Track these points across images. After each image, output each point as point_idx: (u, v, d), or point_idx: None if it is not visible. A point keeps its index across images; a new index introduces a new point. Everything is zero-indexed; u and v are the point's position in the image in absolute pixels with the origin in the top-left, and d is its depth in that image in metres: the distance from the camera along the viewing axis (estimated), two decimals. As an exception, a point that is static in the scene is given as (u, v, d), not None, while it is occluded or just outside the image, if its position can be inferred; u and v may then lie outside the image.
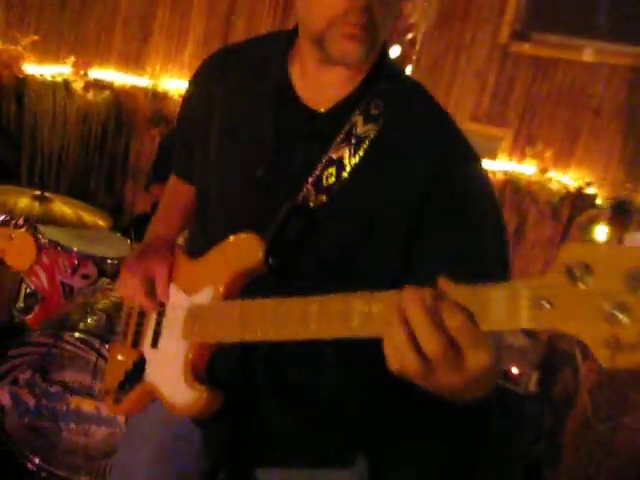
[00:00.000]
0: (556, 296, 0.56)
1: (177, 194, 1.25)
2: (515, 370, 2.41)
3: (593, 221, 2.55)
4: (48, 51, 3.33)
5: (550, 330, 0.57)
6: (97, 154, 3.70)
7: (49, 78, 3.26)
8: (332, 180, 0.92)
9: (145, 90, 3.74)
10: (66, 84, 3.33)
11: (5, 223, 2.36)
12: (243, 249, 0.94)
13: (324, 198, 0.92)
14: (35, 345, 2.09)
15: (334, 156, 0.92)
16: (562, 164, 2.71)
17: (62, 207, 2.47)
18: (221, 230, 0.98)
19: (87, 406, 2.10)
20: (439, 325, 0.60)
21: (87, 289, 2.47)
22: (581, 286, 0.54)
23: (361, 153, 0.92)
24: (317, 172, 0.93)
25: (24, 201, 2.35)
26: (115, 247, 2.69)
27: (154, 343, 1.10)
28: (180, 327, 1.03)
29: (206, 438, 1.13)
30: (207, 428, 1.11)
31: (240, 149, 1.01)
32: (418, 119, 0.95)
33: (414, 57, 3.01)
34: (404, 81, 0.99)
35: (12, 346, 2.10)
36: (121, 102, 3.67)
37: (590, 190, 2.62)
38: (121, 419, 2.08)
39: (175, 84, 3.85)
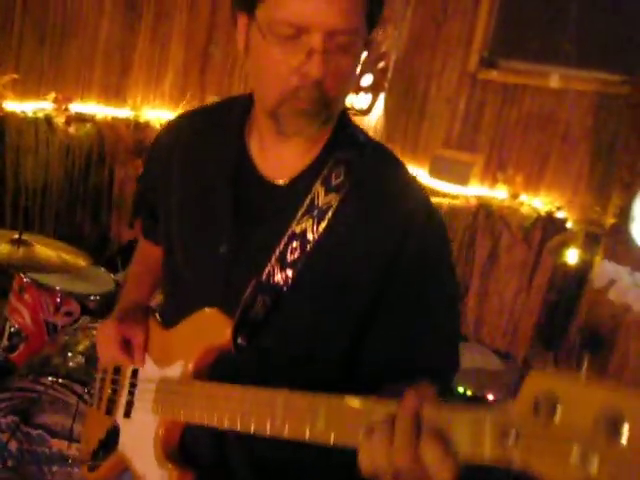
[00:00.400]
0: (522, 430, 0.53)
1: (147, 257, 1.25)
2: (490, 396, 2.44)
3: (564, 245, 2.60)
4: (28, 88, 3.37)
5: (515, 466, 0.53)
6: (81, 186, 3.73)
7: (30, 114, 3.30)
8: (296, 255, 0.90)
9: (127, 121, 3.79)
10: (48, 119, 3.36)
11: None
12: (212, 326, 0.93)
13: (289, 273, 0.90)
14: (16, 390, 2.13)
15: (297, 230, 0.91)
16: (532, 188, 2.76)
17: (43, 249, 2.52)
18: (190, 300, 0.97)
19: (69, 450, 2.13)
20: (416, 447, 0.60)
21: (69, 328, 2.50)
22: (548, 423, 0.51)
23: (324, 224, 0.90)
24: (281, 247, 0.91)
25: (5, 247, 2.39)
26: (97, 283, 2.73)
27: (127, 414, 1.08)
28: (151, 400, 1.01)
29: None
30: None
31: (201, 224, 1.01)
32: (380, 186, 0.93)
33: (386, 85, 3.07)
34: (365, 147, 0.97)
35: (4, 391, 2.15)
36: (103, 134, 3.70)
37: (560, 214, 2.67)
38: None
39: (156, 114, 3.90)
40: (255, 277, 0.90)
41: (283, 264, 0.91)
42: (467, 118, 2.90)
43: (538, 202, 2.75)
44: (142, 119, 3.82)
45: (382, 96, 3.09)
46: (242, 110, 0.99)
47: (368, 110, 3.08)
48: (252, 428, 0.78)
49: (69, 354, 2.27)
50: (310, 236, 0.90)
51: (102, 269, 2.87)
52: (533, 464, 0.52)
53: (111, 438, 1.10)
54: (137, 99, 3.82)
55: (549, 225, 2.68)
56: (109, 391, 1.13)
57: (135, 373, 1.07)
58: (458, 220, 2.89)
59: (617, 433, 0.47)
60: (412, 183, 0.97)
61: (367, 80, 3.02)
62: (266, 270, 0.91)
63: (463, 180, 2.85)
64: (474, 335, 2.90)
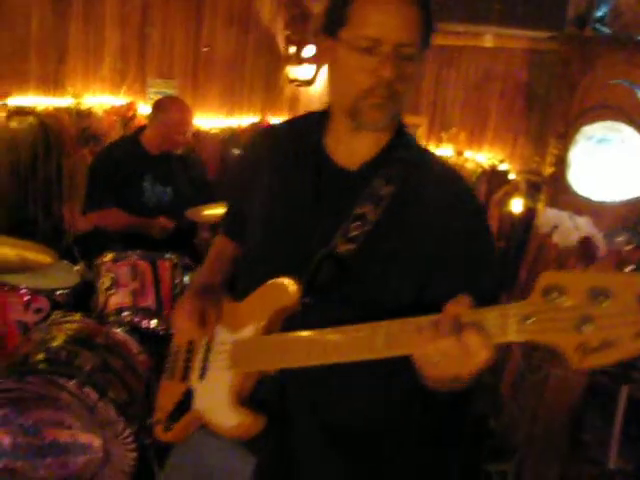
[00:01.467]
0: (536, 313, 0.73)
1: (223, 252, 1.46)
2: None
3: (509, 195, 2.78)
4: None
5: (531, 342, 0.75)
6: (30, 181, 3.67)
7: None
8: (357, 232, 1.12)
9: (69, 110, 3.75)
10: (-13, 115, 3.30)
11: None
12: (280, 291, 1.14)
13: (351, 246, 1.12)
14: (1, 392, 2.17)
15: (359, 212, 1.13)
16: (475, 145, 2.93)
17: (3, 249, 2.53)
18: (264, 276, 1.17)
19: (63, 437, 2.21)
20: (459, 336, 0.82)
21: (42, 325, 2.52)
22: (556, 304, 0.71)
23: (381, 210, 1.12)
24: (346, 224, 1.12)
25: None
26: (62, 277, 2.76)
27: (202, 375, 1.27)
28: (226, 360, 1.21)
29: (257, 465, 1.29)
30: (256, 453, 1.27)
31: (284, 208, 1.24)
32: (428, 176, 1.16)
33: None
34: (415, 148, 1.22)
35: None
36: (47, 125, 3.65)
37: (503, 166, 2.85)
38: (98, 444, 2.21)
39: (97, 100, 3.86)
40: (323, 248, 1.13)
41: (346, 238, 1.12)
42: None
43: (482, 157, 2.92)
44: (84, 106, 3.79)
45: (325, 67, 3.18)
46: (320, 118, 1.23)
47: (312, 80, 3.16)
48: (315, 360, 1.02)
49: (47, 349, 2.32)
50: (370, 217, 1.12)
51: (65, 262, 2.89)
52: (545, 338, 0.73)
53: (186, 400, 1.29)
54: (77, 87, 3.76)
55: (493, 178, 2.86)
56: (183, 361, 1.32)
57: (209, 341, 1.27)
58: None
59: (604, 302, 0.68)
60: (452, 171, 1.22)
61: (310, 51, 3.10)
62: (332, 243, 1.12)
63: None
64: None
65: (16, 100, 3.49)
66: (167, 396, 1.38)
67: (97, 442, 2.24)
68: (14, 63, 3.49)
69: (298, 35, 3.04)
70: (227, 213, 1.51)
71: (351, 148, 1.18)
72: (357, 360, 0.95)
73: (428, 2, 1.09)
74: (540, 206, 2.67)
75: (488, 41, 2.79)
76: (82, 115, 3.76)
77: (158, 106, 3.00)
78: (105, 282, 2.31)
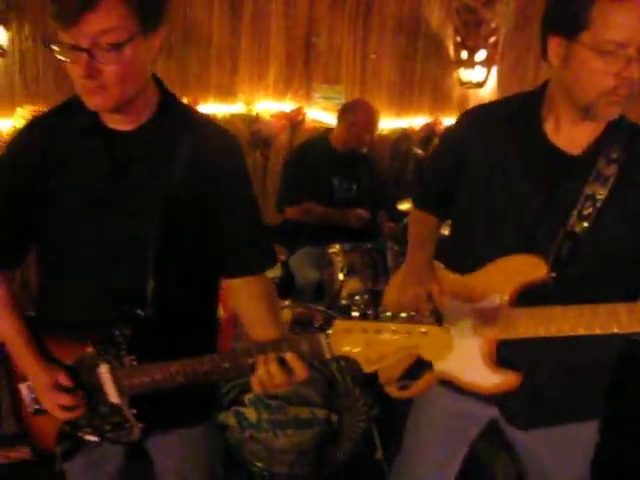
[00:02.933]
0: None
1: (425, 226, 1.60)
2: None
3: None
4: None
5: None
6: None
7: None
8: (589, 210, 1.25)
9: (241, 116, 4.15)
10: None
11: None
12: (529, 266, 1.27)
13: (585, 224, 1.25)
14: None
15: (589, 192, 1.26)
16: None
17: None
18: (492, 250, 1.31)
19: (303, 413, 2.48)
20: None
21: None
22: None
23: (607, 188, 1.24)
24: (579, 205, 1.25)
25: None
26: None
27: None
28: (468, 327, 1.32)
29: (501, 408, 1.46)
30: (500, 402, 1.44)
31: (511, 189, 1.34)
32: None
33: (498, 58, 3.39)
34: (628, 129, 1.31)
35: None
36: (225, 131, 4.02)
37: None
38: (334, 419, 2.52)
39: (263, 106, 4.24)
40: (562, 228, 1.27)
41: (581, 217, 1.25)
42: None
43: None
44: (253, 112, 4.17)
45: (494, 69, 3.43)
46: (535, 103, 1.33)
47: (483, 83, 3.41)
48: (567, 331, 1.20)
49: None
50: (598, 197, 1.25)
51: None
52: None
53: (417, 364, 1.40)
54: (247, 94, 4.14)
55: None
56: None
57: (434, 310, 1.28)
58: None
59: None
60: None
61: (481, 55, 3.35)
62: (570, 222, 1.26)
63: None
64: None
65: (200, 108, 3.91)
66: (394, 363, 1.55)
67: (334, 417, 2.55)
68: (199, 75, 3.91)
69: (471, 40, 3.30)
70: (427, 190, 1.61)
71: (572, 134, 1.28)
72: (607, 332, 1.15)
73: None
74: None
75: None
76: (252, 120, 4.16)
77: (347, 108, 3.34)
78: (339, 270, 2.65)
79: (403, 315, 1.07)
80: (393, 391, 1.53)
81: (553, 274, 1.25)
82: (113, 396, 1.29)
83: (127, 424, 1.31)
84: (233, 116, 4.09)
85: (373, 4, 3.80)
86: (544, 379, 1.39)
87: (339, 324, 1.07)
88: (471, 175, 1.44)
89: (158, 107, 1.28)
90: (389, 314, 1.08)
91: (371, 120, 3.24)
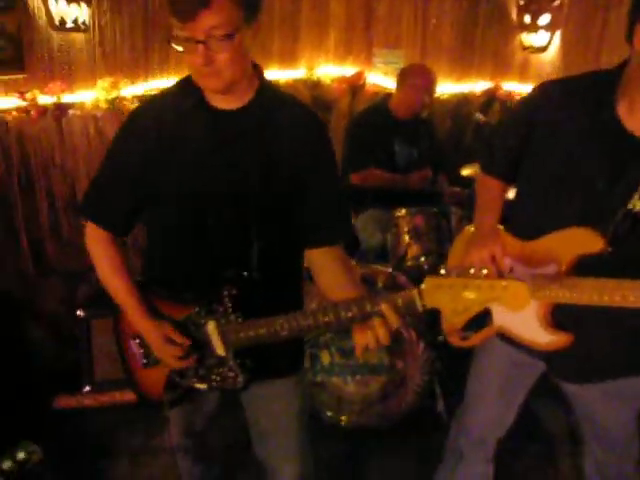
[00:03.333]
0: None
1: (492, 191, 1.72)
2: None
3: None
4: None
5: None
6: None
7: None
8: None
9: (303, 81, 4.26)
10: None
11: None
12: (587, 239, 1.37)
13: None
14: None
15: None
16: None
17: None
18: (555, 220, 1.45)
19: (373, 359, 2.63)
20: None
21: None
22: None
23: None
24: None
25: None
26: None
27: None
28: (528, 290, 1.39)
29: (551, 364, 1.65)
30: (550, 359, 1.63)
31: (579, 164, 1.46)
32: None
33: (562, 21, 3.40)
34: None
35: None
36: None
37: None
38: (400, 366, 2.71)
39: (324, 70, 4.34)
40: (623, 207, 1.38)
41: None
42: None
43: None
44: (315, 77, 4.29)
45: (558, 33, 3.43)
46: (608, 82, 1.40)
47: (546, 47, 3.44)
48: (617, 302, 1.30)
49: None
50: None
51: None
52: None
53: (483, 316, 1.50)
54: (308, 59, 4.25)
55: None
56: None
57: (500, 271, 1.48)
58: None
59: None
60: None
61: (545, 19, 3.37)
62: (630, 203, 1.37)
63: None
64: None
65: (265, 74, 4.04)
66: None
67: (400, 364, 2.73)
68: (262, 43, 4.04)
69: (534, 4, 3.31)
70: (496, 155, 1.69)
71: None
72: None
73: None
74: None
75: None
76: (313, 85, 4.28)
77: (405, 72, 3.44)
78: (406, 232, 2.80)
79: (485, 272, 1.25)
80: (455, 341, 1.65)
81: (609, 249, 1.35)
82: (220, 349, 1.49)
83: (231, 374, 1.51)
84: (296, 81, 4.21)
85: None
86: (592, 340, 1.54)
87: (430, 280, 1.23)
88: (541, 144, 1.55)
89: (257, 90, 1.46)
90: (472, 271, 1.25)
91: (429, 83, 3.34)
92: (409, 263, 2.86)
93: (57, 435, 2.62)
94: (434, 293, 1.23)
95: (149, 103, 1.59)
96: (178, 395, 1.61)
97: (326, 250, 1.55)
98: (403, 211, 2.83)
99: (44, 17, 2.68)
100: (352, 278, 1.53)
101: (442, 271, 1.29)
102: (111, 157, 1.56)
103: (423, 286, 1.23)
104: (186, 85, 1.47)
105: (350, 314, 1.31)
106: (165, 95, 1.54)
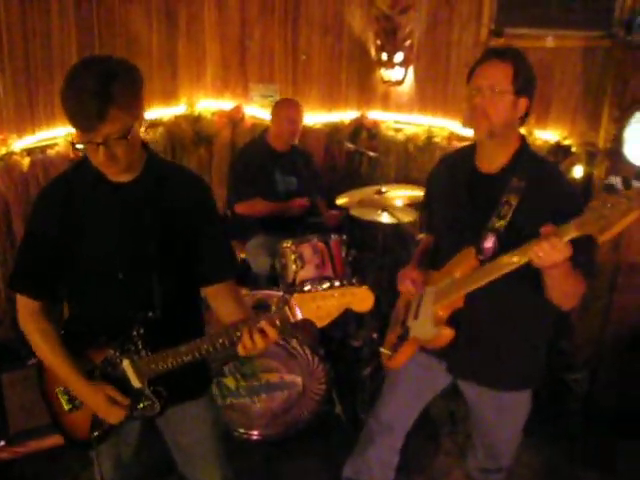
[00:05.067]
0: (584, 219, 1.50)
1: (424, 242, 2.32)
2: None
3: (572, 165, 3.59)
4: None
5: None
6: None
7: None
8: (506, 212, 1.84)
9: (184, 117, 4.47)
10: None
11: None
12: (467, 257, 1.91)
13: (502, 223, 1.85)
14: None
15: (505, 199, 1.85)
16: (542, 125, 3.70)
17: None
18: (446, 251, 2.02)
19: (273, 378, 2.98)
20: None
21: None
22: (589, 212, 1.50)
23: (517, 201, 1.83)
24: (497, 210, 1.86)
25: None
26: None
27: (415, 316, 2.11)
28: (432, 300, 2.00)
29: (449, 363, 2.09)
30: (450, 357, 2.06)
31: (454, 205, 2.05)
32: (544, 175, 1.91)
33: (413, 58, 3.89)
34: (539, 160, 1.98)
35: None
36: (171, 133, 4.35)
37: (566, 142, 3.64)
38: (298, 381, 3.05)
39: (203, 105, 4.57)
40: (486, 226, 1.87)
41: (499, 217, 1.85)
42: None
43: (548, 135, 3.71)
44: (195, 113, 4.51)
45: (411, 68, 3.93)
46: (471, 146, 2.08)
47: (402, 81, 3.92)
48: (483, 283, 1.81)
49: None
50: (511, 207, 1.84)
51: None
52: (584, 230, 1.53)
53: (404, 334, 2.11)
54: (188, 95, 4.46)
55: (559, 151, 3.66)
56: (404, 312, 2.17)
57: (421, 295, 2.11)
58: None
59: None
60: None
61: (399, 57, 3.85)
62: (490, 222, 1.86)
63: (488, 127, 3.78)
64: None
65: (148, 113, 4.20)
66: (390, 337, 2.23)
67: (298, 379, 3.07)
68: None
69: (390, 45, 3.79)
70: (422, 216, 2.33)
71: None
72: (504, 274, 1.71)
73: None
74: (597, 172, 3.48)
75: (549, 42, 3.54)
76: (195, 120, 4.50)
77: (275, 107, 3.84)
78: (292, 261, 3.13)
79: (337, 284, 1.59)
80: (388, 363, 2.19)
81: (481, 259, 1.87)
82: (136, 382, 1.76)
83: (148, 402, 1.78)
84: (177, 117, 4.43)
85: (300, 8, 4.20)
86: (486, 344, 2.01)
87: (297, 297, 1.57)
88: (435, 201, 2.18)
89: (146, 161, 1.77)
90: (327, 285, 1.59)
91: (296, 114, 3.75)
92: (297, 289, 3.19)
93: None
94: (302, 306, 1.56)
95: (54, 183, 1.82)
96: (104, 430, 1.84)
97: (219, 286, 1.86)
98: (289, 242, 3.16)
99: None
100: (241, 305, 1.87)
101: (305, 288, 1.60)
102: (29, 232, 1.80)
103: (293, 302, 1.57)
104: (82, 165, 1.75)
105: (239, 333, 1.63)
106: (67, 174, 1.82)
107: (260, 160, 3.74)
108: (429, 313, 2.00)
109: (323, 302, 1.56)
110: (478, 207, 1.93)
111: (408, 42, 3.83)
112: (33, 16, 3.25)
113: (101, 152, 1.55)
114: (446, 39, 3.84)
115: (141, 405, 1.79)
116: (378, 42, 3.89)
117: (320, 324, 1.59)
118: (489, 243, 1.87)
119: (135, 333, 1.75)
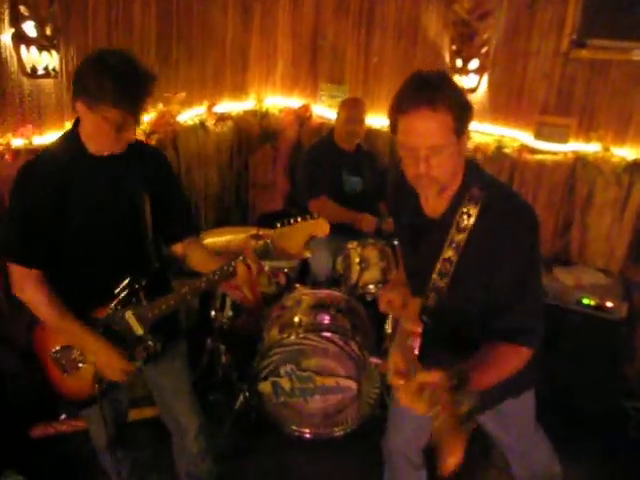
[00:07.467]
0: None
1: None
2: (609, 304, 3.39)
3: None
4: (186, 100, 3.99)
5: None
6: (227, 176, 4.51)
7: (190, 122, 4.06)
8: (451, 253, 1.75)
9: (252, 112, 4.54)
10: (202, 124, 4.12)
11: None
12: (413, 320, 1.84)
13: (445, 281, 1.75)
14: (287, 345, 3.01)
15: (446, 255, 1.73)
16: (619, 142, 3.61)
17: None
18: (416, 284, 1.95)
19: (329, 382, 3.03)
20: None
21: (290, 295, 3.36)
22: None
23: (466, 238, 1.69)
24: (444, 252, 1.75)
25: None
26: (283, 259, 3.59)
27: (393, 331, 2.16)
28: (396, 343, 1.97)
29: None
30: None
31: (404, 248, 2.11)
32: (491, 216, 1.72)
33: (489, 66, 3.84)
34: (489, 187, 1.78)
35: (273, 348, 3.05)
36: (239, 127, 4.47)
37: (644, 159, 3.53)
38: (354, 387, 3.07)
39: (271, 101, 4.63)
40: (430, 277, 1.77)
41: (444, 259, 1.76)
42: (561, 89, 3.70)
43: (625, 152, 3.61)
44: (263, 108, 4.58)
45: (486, 76, 3.88)
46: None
47: (475, 88, 3.87)
48: None
49: (302, 312, 3.17)
50: (459, 244, 1.74)
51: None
52: None
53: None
54: (257, 91, 4.54)
55: (635, 170, 3.56)
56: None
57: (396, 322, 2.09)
58: (560, 171, 3.77)
59: None
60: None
61: (474, 64, 3.80)
62: (434, 274, 1.75)
63: (562, 139, 3.70)
64: (579, 258, 3.84)
65: (218, 107, 4.32)
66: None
67: (354, 385, 3.09)
68: (216, 77, 4.30)
69: (465, 51, 3.75)
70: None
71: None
72: None
73: None
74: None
75: (636, 55, 3.44)
76: (262, 116, 4.57)
77: (339, 107, 3.85)
78: (357, 262, 3.15)
79: (299, 219, 1.86)
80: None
81: (425, 320, 1.78)
82: (139, 330, 1.97)
83: (151, 343, 2.00)
84: (245, 112, 4.51)
85: (375, 11, 4.21)
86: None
87: (277, 231, 1.84)
88: (398, 224, 2.13)
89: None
90: (293, 220, 1.86)
91: (359, 113, 3.76)
92: (360, 291, 3.21)
93: (40, 463, 2.80)
94: (279, 240, 1.85)
95: (41, 161, 1.93)
96: (106, 385, 2.02)
97: (191, 242, 2.15)
98: (354, 243, 3.18)
99: (16, 65, 2.88)
100: (214, 256, 2.12)
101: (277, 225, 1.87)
102: (19, 206, 1.89)
103: (273, 234, 1.85)
104: (66, 140, 1.93)
105: (231, 268, 1.88)
106: (50, 150, 1.96)
107: (329, 158, 3.77)
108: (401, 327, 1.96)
109: (294, 234, 1.84)
110: (423, 257, 1.83)
111: (484, 49, 3.79)
112: (118, 6, 3.37)
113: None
114: (524, 48, 3.77)
115: (144, 347, 1.99)
116: (454, 47, 3.85)
117: (294, 252, 1.85)
118: (432, 301, 1.77)
119: (137, 286, 1.96)
